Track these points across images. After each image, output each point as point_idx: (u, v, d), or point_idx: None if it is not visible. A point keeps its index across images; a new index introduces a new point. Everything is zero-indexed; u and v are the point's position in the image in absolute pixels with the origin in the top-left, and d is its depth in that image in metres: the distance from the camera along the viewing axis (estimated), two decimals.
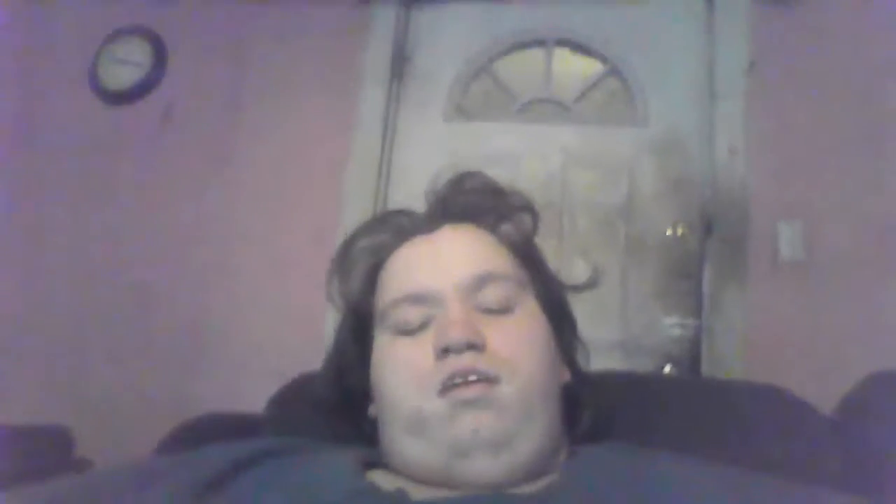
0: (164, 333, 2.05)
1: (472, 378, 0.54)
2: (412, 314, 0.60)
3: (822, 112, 1.87)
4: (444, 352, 0.55)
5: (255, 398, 0.93)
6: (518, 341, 0.58)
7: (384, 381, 0.60)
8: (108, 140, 2.24)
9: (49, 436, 1.53)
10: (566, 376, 0.66)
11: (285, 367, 0.90)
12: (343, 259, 0.70)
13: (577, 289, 0.74)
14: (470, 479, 0.53)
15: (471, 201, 0.70)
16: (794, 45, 1.93)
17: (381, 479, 0.54)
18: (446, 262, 0.62)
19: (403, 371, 0.58)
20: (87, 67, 2.29)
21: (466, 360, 0.55)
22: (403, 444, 0.57)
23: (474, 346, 0.55)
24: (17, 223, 2.20)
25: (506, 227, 0.69)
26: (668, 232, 1.93)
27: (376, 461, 0.60)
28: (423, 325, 0.60)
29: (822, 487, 0.58)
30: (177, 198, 2.16)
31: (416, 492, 0.52)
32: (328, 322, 0.73)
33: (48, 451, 1.48)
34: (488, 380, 0.54)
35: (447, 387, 0.54)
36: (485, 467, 0.52)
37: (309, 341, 0.74)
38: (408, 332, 0.60)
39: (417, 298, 0.61)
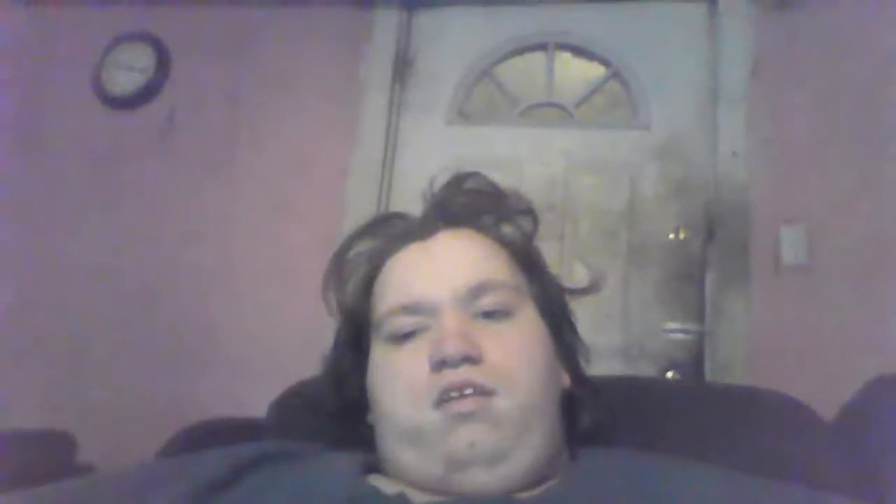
0: (166, 338, 2.05)
1: (468, 392, 0.53)
2: (407, 324, 0.59)
3: (824, 116, 1.87)
4: (440, 364, 0.54)
5: (256, 403, 0.93)
6: (516, 351, 0.57)
7: (380, 392, 0.59)
8: (112, 146, 2.25)
9: (51, 441, 1.52)
10: (567, 381, 0.65)
11: (287, 372, 0.90)
12: (338, 266, 0.69)
13: (579, 293, 0.73)
14: (467, 490, 0.52)
15: (469, 203, 0.68)
16: (797, 49, 1.93)
17: (382, 484, 0.54)
18: (442, 270, 0.61)
19: (399, 383, 0.57)
20: (90, 73, 2.30)
21: (462, 373, 0.54)
22: (400, 455, 0.56)
23: (470, 359, 0.54)
24: (20, 228, 2.21)
25: (505, 230, 0.68)
26: (671, 236, 1.93)
27: (377, 466, 0.60)
28: (418, 333, 0.59)
29: (825, 493, 0.57)
30: (179, 204, 2.16)
31: (416, 496, 0.52)
32: (330, 327, 0.72)
33: (50, 456, 1.48)
34: (484, 393, 0.53)
35: (443, 400, 0.53)
36: (481, 480, 0.52)
37: (311, 346, 0.74)
38: (403, 338, 0.59)
39: (412, 309, 0.59)
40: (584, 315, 0.72)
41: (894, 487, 0.66)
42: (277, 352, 1.92)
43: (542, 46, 2.16)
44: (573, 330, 0.70)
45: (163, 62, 2.27)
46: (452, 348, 0.54)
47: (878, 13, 1.87)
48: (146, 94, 2.26)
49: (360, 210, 1.99)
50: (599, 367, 0.73)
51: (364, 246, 0.69)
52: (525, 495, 0.52)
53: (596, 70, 2.12)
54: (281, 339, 1.96)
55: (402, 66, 2.18)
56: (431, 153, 2.08)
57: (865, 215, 1.78)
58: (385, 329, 0.61)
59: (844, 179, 1.82)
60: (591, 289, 0.73)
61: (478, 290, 0.60)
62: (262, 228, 2.10)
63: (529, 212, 0.70)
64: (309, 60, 2.21)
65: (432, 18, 2.22)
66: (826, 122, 1.87)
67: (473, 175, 0.70)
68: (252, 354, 1.98)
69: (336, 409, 0.69)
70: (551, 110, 2.12)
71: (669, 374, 1.83)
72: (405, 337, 0.59)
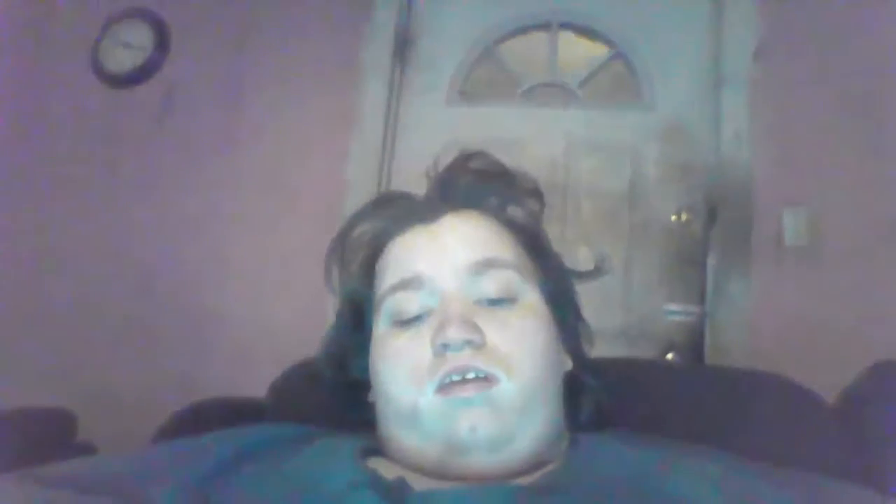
0: (167, 318, 2.05)
1: (470, 376, 0.53)
2: (410, 303, 0.59)
3: (827, 99, 1.86)
4: (443, 348, 0.54)
5: (256, 383, 0.93)
6: (518, 336, 0.57)
7: (381, 374, 0.59)
8: (110, 123, 2.24)
9: (52, 419, 1.53)
10: (568, 365, 0.65)
11: (287, 354, 0.90)
12: (341, 247, 0.69)
13: (585, 277, 0.73)
14: (467, 474, 0.52)
15: (474, 184, 0.67)
16: (801, 31, 1.91)
17: (382, 468, 0.54)
18: (446, 248, 0.60)
19: (400, 365, 0.57)
20: (88, 50, 2.28)
21: (465, 357, 0.53)
22: (400, 437, 0.56)
23: (473, 344, 0.54)
24: (19, 206, 2.20)
25: (511, 211, 0.67)
26: (673, 218, 1.93)
27: (377, 448, 0.60)
28: (420, 317, 0.58)
29: (825, 476, 0.57)
30: (179, 186, 2.15)
31: (416, 481, 0.52)
32: (330, 308, 0.72)
33: (51, 433, 1.48)
34: (486, 378, 0.53)
35: (444, 384, 0.53)
36: (482, 464, 0.52)
37: (311, 327, 0.74)
38: (406, 323, 0.59)
39: (415, 284, 0.59)
40: (585, 296, 0.71)
41: (894, 471, 0.66)
42: (277, 334, 1.92)
43: (545, 25, 2.13)
44: (577, 314, 0.69)
45: (162, 41, 2.25)
46: (455, 332, 0.54)
47: None
48: (144, 72, 2.24)
49: (361, 193, 1.98)
50: (600, 348, 0.73)
51: (367, 226, 0.69)
52: (524, 481, 0.51)
53: (599, 50, 2.09)
54: (281, 321, 1.96)
55: (403, 46, 2.15)
56: (432, 135, 2.06)
57: (867, 198, 1.77)
58: (387, 308, 0.60)
59: (847, 162, 1.81)
60: (596, 272, 0.72)
61: (482, 268, 0.59)
62: (262, 210, 2.09)
63: (535, 193, 0.69)
64: (308, 41, 2.18)
65: None
66: (829, 105, 1.85)
67: (478, 154, 0.69)
68: (252, 336, 1.98)
69: (337, 387, 0.69)
70: (554, 90, 2.10)
71: (669, 356, 1.83)
72: (409, 321, 0.59)
